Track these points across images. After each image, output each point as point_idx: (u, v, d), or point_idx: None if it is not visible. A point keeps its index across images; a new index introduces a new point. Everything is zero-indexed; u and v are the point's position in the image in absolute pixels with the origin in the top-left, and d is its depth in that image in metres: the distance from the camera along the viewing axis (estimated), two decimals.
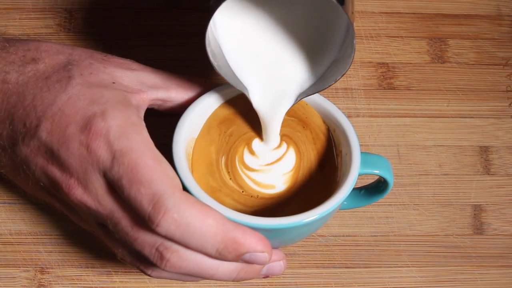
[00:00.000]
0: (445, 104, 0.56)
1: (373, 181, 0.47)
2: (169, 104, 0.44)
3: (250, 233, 0.38)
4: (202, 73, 0.55)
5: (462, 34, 0.58)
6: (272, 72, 0.44)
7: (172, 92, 0.44)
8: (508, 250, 0.53)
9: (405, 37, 0.58)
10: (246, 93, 0.43)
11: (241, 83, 0.43)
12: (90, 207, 0.39)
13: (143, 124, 0.40)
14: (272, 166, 0.44)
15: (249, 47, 0.44)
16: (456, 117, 0.56)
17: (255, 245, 0.38)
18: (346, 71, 0.40)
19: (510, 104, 0.57)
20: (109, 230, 0.39)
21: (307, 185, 0.44)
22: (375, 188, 0.47)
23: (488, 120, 0.56)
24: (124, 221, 0.38)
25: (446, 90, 0.57)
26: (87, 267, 0.50)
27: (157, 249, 0.38)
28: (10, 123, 0.40)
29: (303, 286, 0.51)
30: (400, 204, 0.53)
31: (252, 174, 0.44)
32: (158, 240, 0.38)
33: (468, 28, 0.59)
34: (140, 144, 0.38)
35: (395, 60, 0.57)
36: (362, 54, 0.57)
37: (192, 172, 0.42)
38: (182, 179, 0.39)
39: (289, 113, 0.45)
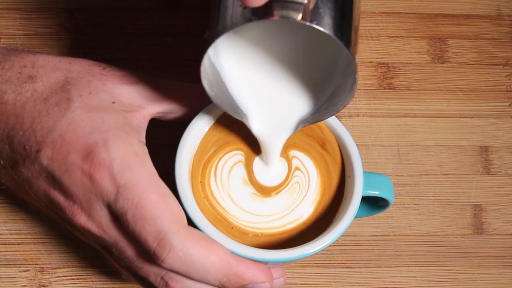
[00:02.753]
0: (445, 104, 0.56)
1: None
2: (170, 116, 0.44)
3: (252, 266, 0.39)
4: None
5: (462, 34, 0.58)
6: (273, 100, 0.43)
7: (173, 104, 0.43)
8: (508, 250, 0.53)
9: (405, 37, 0.58)
10: (245, 121, 0.42)
11: (240, 110, 0.42)
12: (94, 233, 0.39)
13: (146, 151, 0.39)
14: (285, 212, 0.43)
15: (251, 75, 0.42)
16: (456, 117, 0.56)
17: (257, 277, 0.39)
18: (348, 102, 0.39)
19: (510, 104, 0.57)
20: (114, 254, 0.40)
21: (324, 214, 0.43)
22: (374, 201, 0.47)
23: (488, 120, 0.56)
24: (129, 251, 0.38)
25: (446, 90, 0.57)
26: (87, 267, 0.50)
27: (162, 277, 0.39)
28: (9, 144, 0.39)
29: (303, 286, 0.51)
30: (400, 204, 0.53)
31: (261, 225, 0.43)
32: (163, 271, 0.38)
33: (468, 28, 0.59)
34: (144, 177, 0.37)
35: (395, 60, 0.57)
36: (362, 54, 0.57)
37: (194, 194, 0.42)
38: (186, 210, 0.39)
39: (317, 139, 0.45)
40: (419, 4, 0.59)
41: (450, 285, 0.52)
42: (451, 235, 0.53)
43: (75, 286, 0.50)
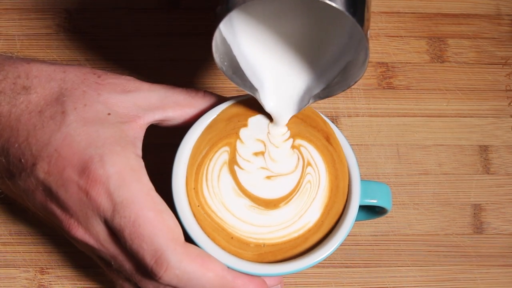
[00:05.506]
0: (444, 104, 0.56)
1: None
2: (167, 123, 0.43)
3: (248, 282, 0.39)
4: (202, 74, 0.55)
5: (461, 34, 0.58)
6: (284, 76, 0.43)
7: (169, 112, 0.42)
8: (508, 249, 0.53)
9: (404, 36, 0.58)
10: (257, 96, 0.42)
11: (252, 85, 0.42)
12: (92, 246, 0.39)
13: (142, 165, 0.39)
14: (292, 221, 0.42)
15: (262, 51, 0.43)
16: (455, 117, 0.56)
17: None
18: (360, 77, 0.38)
19: (509, 104, 0.57)
20: (113, 267, 0.40)
21: (329, 220, 0.43)
22: (372, 207, 0.46)
23: (487, 119, 0.56)
24: (128, 265, 0.39)
25: (446, 90, 0.57)
26: (87, 267, 0.50)
27: None
28: (5, 157, 0.39)
29: (303, 286, 0.51)
30: (400, 204, 0.53)
31: (264, 235, 0.42)
32: (161, 285, 0.39)
33: (468, 28, 0.59)
34: (140, 194, 0.38)
35: (395, 60, 0.57)
36: None
37: (190, 203, 0.41)
38: (182, 223, 0.40)
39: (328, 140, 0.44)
40: (418, 4, 0.59)
41: (450, 285, 0.52)
42: (450, 234, 0.53)
43: (75, 286, 0.50)
